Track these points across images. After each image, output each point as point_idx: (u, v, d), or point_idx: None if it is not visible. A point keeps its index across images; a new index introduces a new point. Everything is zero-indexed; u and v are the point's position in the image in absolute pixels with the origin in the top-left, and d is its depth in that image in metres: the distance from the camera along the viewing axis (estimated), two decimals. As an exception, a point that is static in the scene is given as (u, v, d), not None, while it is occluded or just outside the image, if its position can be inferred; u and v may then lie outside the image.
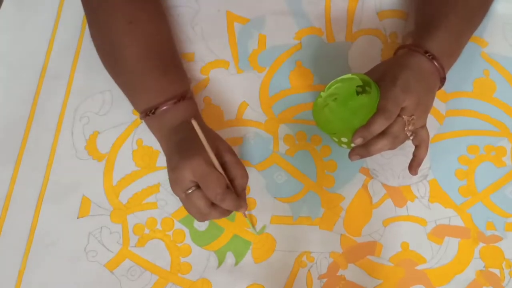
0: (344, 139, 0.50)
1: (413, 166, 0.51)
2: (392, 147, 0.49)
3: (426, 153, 0.51)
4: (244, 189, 0.50)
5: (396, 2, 0.64)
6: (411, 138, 0.49)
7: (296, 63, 0.61)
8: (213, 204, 0.48)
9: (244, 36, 0.63)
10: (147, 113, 0.52)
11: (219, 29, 0.64)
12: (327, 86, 0.52)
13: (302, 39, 0.63)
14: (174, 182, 0.48)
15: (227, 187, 0.48)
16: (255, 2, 0.65)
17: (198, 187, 0.47)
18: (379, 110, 0.47)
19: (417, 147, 0.51)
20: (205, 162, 0.47)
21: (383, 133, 0.48)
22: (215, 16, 0.64)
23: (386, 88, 0.48)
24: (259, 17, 0.64)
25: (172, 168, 0.48)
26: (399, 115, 0.48)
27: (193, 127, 0.48)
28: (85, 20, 0.65)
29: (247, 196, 0.55)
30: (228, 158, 0.49)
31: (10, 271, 0.53)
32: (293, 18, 0.64)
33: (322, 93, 0.51)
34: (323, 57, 0.61)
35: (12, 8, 0.66)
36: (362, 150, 0.49)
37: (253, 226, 0.54)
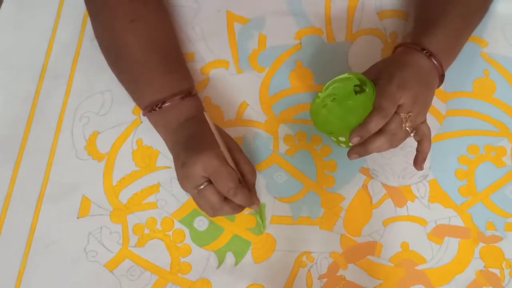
0: (342, 139, 0.50)
1: (418, 161, 0.51)
2: (392, 145, 0.49)
3: (429, 147, 0.51)
4: (254, 185, 0.50)
5: (396, 2, 0.64)
6: (412, 134, 0.49)
7: (296, 63, 0.61)
8: (225, 199, 0.48)
9: (244, 36, 0.63)
10: (153, 108, 0.51)
11: (219, 29, 0.64)
12: (324, 87, 0.52)
13: (302, 39, 0.63)
14: (185, 179, 0.48)
15: (239, 182, 0.48)
16: (255, 2, 0.65)
17: (209, 182, 0.47)
18: (375, 109, 0.47)
19: (419, 142, 0.51)
20: (216, 156, 0.46)
21: (380, 131, 0.48)
22: (215, 16, 0.64)
23: (382, 86, 0.48)
24: (259, 17, 0.64)
25: (182, 165, 0.47)
26: (396, 113, 0.48)
27: (201, 123, 0.48)
28: (85, 20, 0.65)
29: (247, 196, 0.55)
30: (237, 155, 0.49)
31: (10, 271, 0.53)
32: (293, 18, 0.64)
33: (320, 94, 0.51)
34: (323, 57, 0.61)
35: (12, 8, 0.66)
36: (360, 148, 0.49)
37: (263, 222, 0.53)
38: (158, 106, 0.51)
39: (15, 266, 0.53)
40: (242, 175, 0.49)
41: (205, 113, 0.48)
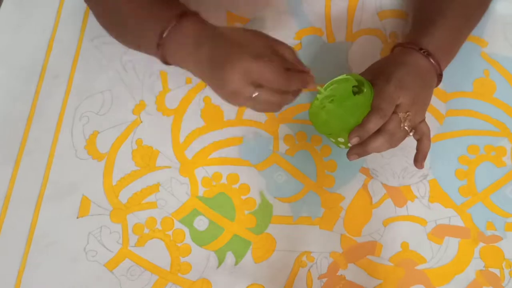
0: (341, 139, 0.50)
1: (418, 159, 0.51)
2: (392, 145, 0.49)
3: (429, 146, 0.51)
4: (296, 59, 0.47)
5: (396, 2, 0.64)
6: (411, 134, 0.49)
7: (296, 63, 0.61)
8: (283, 91, 0.46)
9: (244, 36, 0.63)
10: (159, 44, 0.48)
11: (219, 29, 0.64)
12: (322, 88, 0.52)
13: (302, 39, 0.63)
14: (234, 96, 0.45)
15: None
16: (255, 2, 0.65)
17: (258, 85, 0.44)
18: (373, 109, 0.47)
19: (419, 141, 0.51)
20: (252, 57, 0.43)
21: (379, 131, 0.48)
22: (215, 16, 0.64)
23: (380, 87, 0.48)
24: (259, 17, 0.64)
25: (224, 83, 0.44)
26: (394, 112, 0.48)
27: (214, 36, 0.45)
28: (85, 20, 0.65)
29: (247, 196, 0.55)
30: (263, 41, 0.46)
31: (10, 271, 0.53)
32: (293, 18, 0.64)
33: (318, 96, 0.51)
34: (323, 57, 0.61)
35: (12, 8, 0.66)
36: (359, 149, 0.49)
37: (322, 88, 0.50)
38: (160, 40, 0.48)
39: (15, 265, 0.53)
40: (282, 55, 0.46)
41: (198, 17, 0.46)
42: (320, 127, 0.51)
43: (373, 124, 0.47)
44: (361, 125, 0.47)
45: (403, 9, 0.64)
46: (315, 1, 0.65)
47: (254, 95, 0.44)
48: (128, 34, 0.54)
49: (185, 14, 0.48)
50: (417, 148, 0.52)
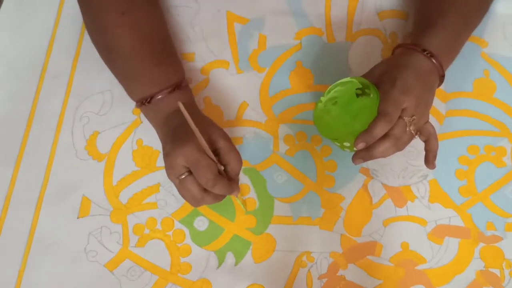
0: (346, 144, 0.50)
1: (429, 160, 0.51)
2: (398, 148, 0.49)
3: (437, 145, 0.51)
4: (237, 174, 0.50)
5: (396, 2, 0.64)
6: (416, 136, 0.49)
7: (296, 63, 0.61)
8: (206, 190, 0.48)
9: (244, 36, 0.63)
10: (143, 102, 0.52)
11: (219, 29, 0.64)
12: (326, 91, 0.51)
13: (302, 39, 0.63)
14: (168, 168, 0.49)
15: (219, 173, 0.48)
16: (255, 2, 0.65)
17: (190, 173, 0.48)
18: (380, 114, 0.47)
19: (426, 141, 0.51)
20: (196, 148, 0.47)
21: (385, 136, 0.48)
22: (215, 16, 0.64)
23: (386, 91, 0.48)
24: (259, 17, 0.64)
25: (166, 155, 0.49)
26: (400, 117, 0.48)
27: (182, 118, 0.48)
28: (85, 20, 0.65)
29: (247, 196, 0.55)
30: (221, 144, 0.50)
31: (10, 271, 0.53)
32: (293, 18, 0.64)
33: (322, 98, 0.51)
34: (323, 57, 0.61)
35: (12, 8, 0.66)
36: (365, 153, 0.49)
37: (245, 207, 0.54)
38: (148, 101, 0.52)
39: (15, 266, 0.53)
40: (226, 164, 0.49)
41: (179, 104, 0.48)
42: (325, 131, 0.51)
43: (380, 130, 0.46)
44: (368, 130, 0.47)
45: (403, 9, 0.64)
46: (315, 1, 0.65)
47: (181, 177, 0.48)
48: (116, 65, 0.56)
49: (178, 87, 0.53)
50: (426, 149, 0.52)
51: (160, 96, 0.52)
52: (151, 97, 0.52)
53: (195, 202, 0.49)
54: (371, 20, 0.63)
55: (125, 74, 0.55)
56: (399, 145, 0.49)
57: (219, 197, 0.50)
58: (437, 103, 0.58)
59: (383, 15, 0.64)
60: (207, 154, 0.48)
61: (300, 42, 0.62)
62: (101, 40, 0.55)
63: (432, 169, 0.52)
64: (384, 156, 0.49)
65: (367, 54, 0.61)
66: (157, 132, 0.54)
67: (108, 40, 0.54)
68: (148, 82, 0.53)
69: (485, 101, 0.59)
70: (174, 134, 0.50)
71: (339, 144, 0.51)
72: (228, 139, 0.51)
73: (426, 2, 0.56)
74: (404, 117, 0.48)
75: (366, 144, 0.47)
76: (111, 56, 0.55)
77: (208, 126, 0.51)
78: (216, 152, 0.49)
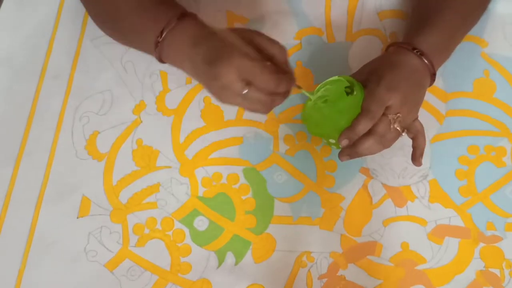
0: (332, 140, 0.51)
1: (416, 156, 0.52)
2: (384, 146, 0.49)
3: (424, 142, 0.51)
4: (285, 62, 0.48)
5: (396, 2, 0.64)
6: (403, 134, 0.50)
7: (296, 63, 0.61)
8: (271, 92, 0.46)
9: (244, 36, 0.63)
10: (157, 43, 0.49)
11: (219, 29, 0.64)
12: (315, 89, 0.52)
13: (302, 39, 0.63)
14: (223, 91, 0.45)
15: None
16: (255, 2, 0.65)
17: (248, 83, 0.45)
18: (363, 111, 0.47)
19: (413, 138, 0.52)
20: (245, 57, 0.44)
21: (369, 133, 0.48)
22: (215, 16, 0.64)
23: (371, 89, 0.48)
24: (259, 17, 0.64)
25: (214, 78, 0.45)
26: (384, 114, 0.48)
27: (210, 35, 0.46)
28: (85, 20, 0.65)
29: (247, 196, 0.55)
30: (257, 39, 0.47)
31: (10, 271, 0.53)
32: (293, 18, 0.64)
33: (311, 97, 0.51)
34: (323, 57, 0.61)
35: (12, 7, 0.66)
36: (350, 150, 0.50)
37: (306, 92, 0.51)
38: (161, 37, 0.48)
39: (15, 265, 0.53)
40: (272, 57, 0.47)
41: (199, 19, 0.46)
42: (312, 127, 0.52)
43: (362, 126, 0.47)
44: (351, 127, 0.48)
45: (403, 9, 0.64)
46: (315, 1, 0.65)
47: (244, 92, 0.44)
48: (125, 31, 0.54)
49: (185, 15, 0.49)
50: (413, 146, 0.52)
51: (168, 29, 0.48)
52: (161, 33, 0.48)
53: (266, 108, 0.47)
54: (371, 20, 0.63)
55: (132, 28, 0.52)
56: (384, 142, 0.49)
57: (286, 93, 0.47)
58: (437, 103, 0.58)
59: (383, 15, 0.64)
60: (256, 58, 0.45)
61: (300, 42, 0.62)
62: (103, 12, 0.54)
63: (418, 166, 0.52)
64: (370, 153, 0.50)
65: (367, 54, 0.61)
66: (185, 68, 0.50)
67: (109, 4, 0.52)
68: (153, 23, 0.49)
69: (485, 101, 0.59)
70: (210, 57, 0.45)
71: (325, 141, 0.52)
72: (259, 32, 0.48)
73: (421, 1, 0.56)
74: (389, 115, 0.48)
75: (350, 140, 0.48)
76: (116, 16, 0.53)
77: (233, 31, 0.48)
78: (256, 50, 0.46)
